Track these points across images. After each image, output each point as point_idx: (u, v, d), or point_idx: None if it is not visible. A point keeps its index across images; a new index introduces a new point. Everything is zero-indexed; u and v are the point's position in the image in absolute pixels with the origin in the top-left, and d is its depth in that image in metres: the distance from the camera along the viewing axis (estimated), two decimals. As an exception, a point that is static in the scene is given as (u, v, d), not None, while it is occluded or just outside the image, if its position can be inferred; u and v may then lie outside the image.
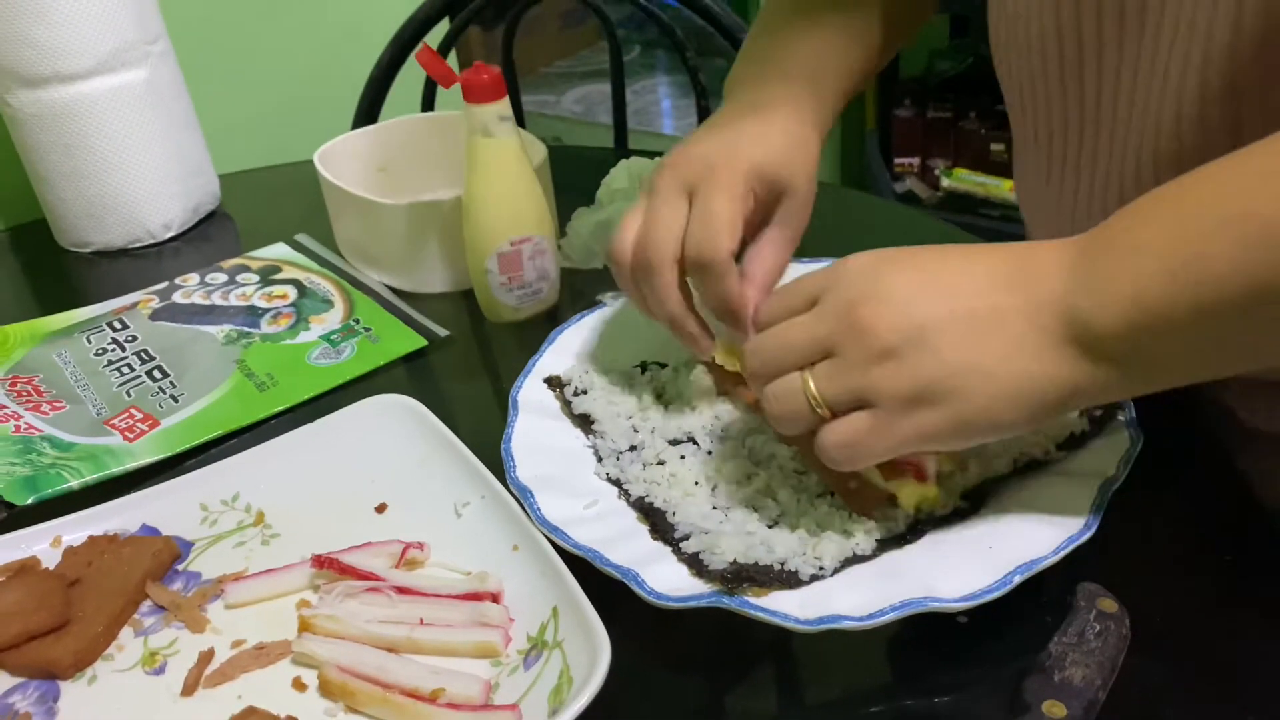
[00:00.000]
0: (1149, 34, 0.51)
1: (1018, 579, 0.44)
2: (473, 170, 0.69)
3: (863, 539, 0.48)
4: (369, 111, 1.13)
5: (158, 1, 0.89)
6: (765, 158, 0.56)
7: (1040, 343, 0.42)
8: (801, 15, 0.65)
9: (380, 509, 0.56)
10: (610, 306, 0.67)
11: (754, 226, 0.58)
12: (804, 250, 0.69)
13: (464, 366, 0.72)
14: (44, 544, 0.54)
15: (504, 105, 0.67)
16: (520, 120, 1.02)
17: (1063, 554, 0.45)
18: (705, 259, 0.54)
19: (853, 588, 0.46)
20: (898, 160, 2.16)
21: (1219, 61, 0.48)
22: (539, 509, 0.51)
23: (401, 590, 0.50)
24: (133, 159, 0.87)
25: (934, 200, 2.12)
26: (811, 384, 0.45)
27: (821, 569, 0.47)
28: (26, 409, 0.66)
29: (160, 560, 0.53)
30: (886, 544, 0.49)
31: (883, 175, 2.15)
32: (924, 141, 2.13)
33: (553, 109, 2.71)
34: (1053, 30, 0.56)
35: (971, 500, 0.50)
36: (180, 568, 0.54)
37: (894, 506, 0.50)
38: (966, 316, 0.43)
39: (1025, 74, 0.60)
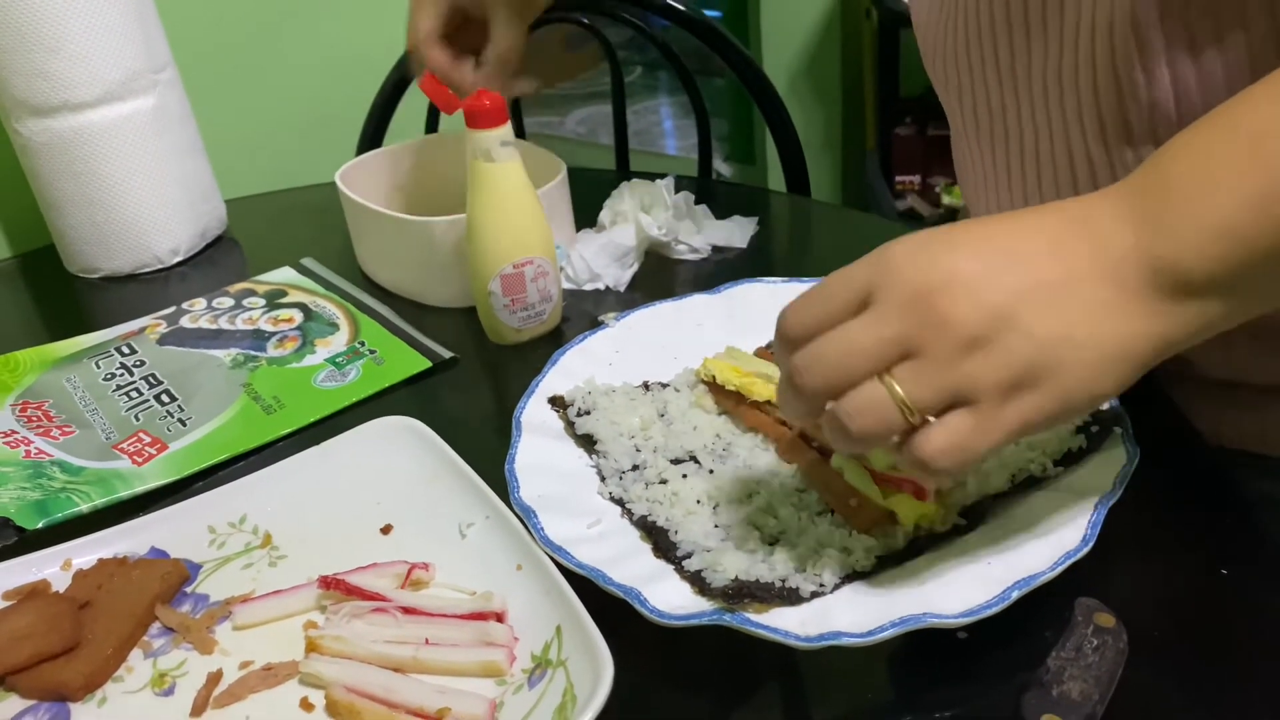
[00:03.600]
0: (1052, 16, 0.55)
1: (1016, 594, 0.44)
2: (475, 194, 0.70)
3: (862, 556, 0.49)
4: (374, 136, 1.14)
5: (165, 31, 0.90)
6: None
7: (1125, 300, 0.41)
8: None
9: (386, 530, 0.56)
10: (613, 327, 0.68)
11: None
12: (802, 270, 0.70)
13: (468, 387, 0.73)
14: (54, 567, 0.54)
15: (506, 130, 0.68)
16: (523, 143, 1.03)
17: (1060, 569, 0.45)
18: (410, 45, 0.76)
19: (853, 604, 0.46)
20: (899, 178, 2.17)
21: (1121, 25, 0.51)
22: (542, 529, 0.51)
23: (407, 610, 0.50)
24: (140, 185, 0.88)
25: (935, 217, 2.13)
26: (899, 389, 0.40)
27: (822, 586, 0.48)
28: (37, 434, 0.67)
29: (169, 582, 0.53)
30: (886, 561, 0.49)
31: (884, 193, 2.16)
32: (924, 159, 2.15)
33: (556, 130, 2.73)
34: (973, 22, 0.60)
35: (970, 517, 0.51)
36: (189, 590, 0.54)
37: (893, 524, 0.50)
38: (1043, 287, 0.41)
39: (952, 70, 0.64)
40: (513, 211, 0.70)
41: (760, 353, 0.63)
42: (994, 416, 0.40)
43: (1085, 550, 0.46)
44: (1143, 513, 0.51)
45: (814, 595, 0.47)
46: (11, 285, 0.94)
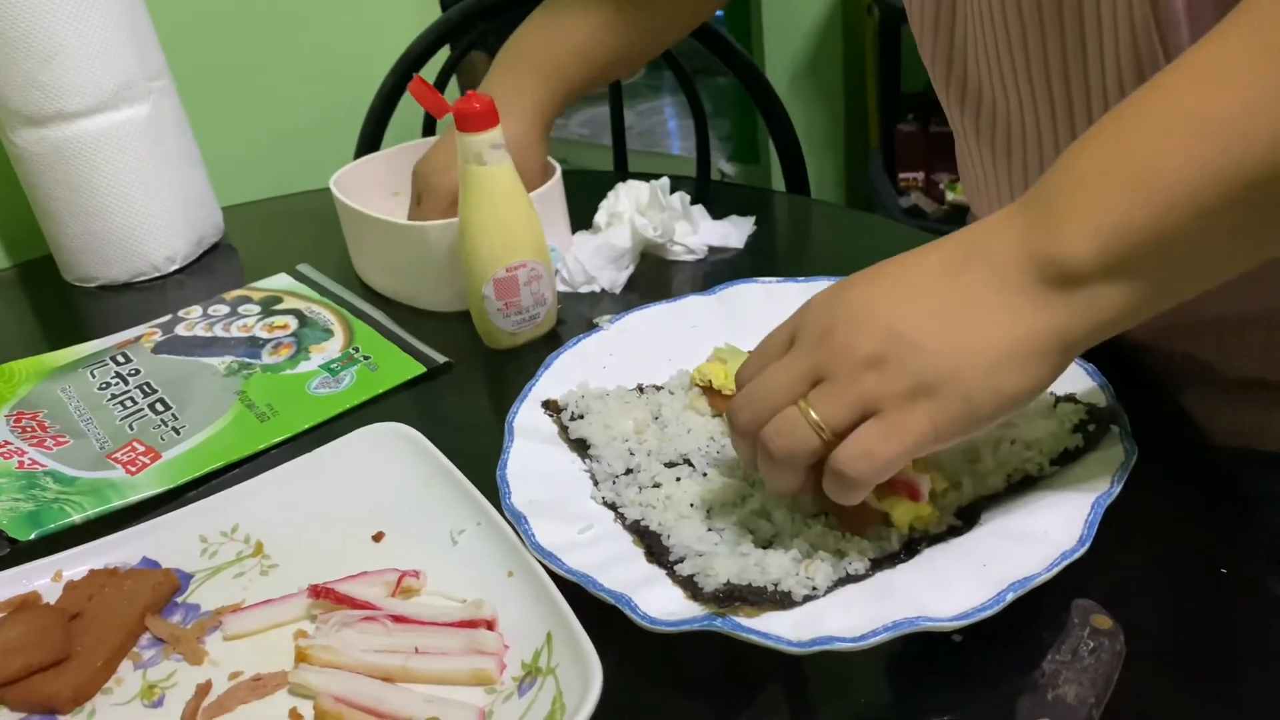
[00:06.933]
0: (1086, 22, 0.54)
1: (1010, 597, 0.44)
2: (467, 198, 0.69)
3: (856, 559, 0.48)
4: (370, 141, 1.14)
5: (159, 39, 0.90)
6: None
7: (1012, 301, 0.43)
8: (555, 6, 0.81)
9: (377, 537, 0.56)
10: (607, 329, 0.67)
11: None
12: (809, 270, 0.70)
13: (463, 392, 0.72)
14: (45, 579, 0.54)
15: (496, 134, 0.67)
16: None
17: (1056, 570, 0.45)
18: None
19: (846, 608, 0.46)
20: (902, 175, 2.16)
21: (1144, 39, 0.51)
22: (533, 535, 0.51)
23: (397, 619, 0.50)
24: (136, 194, 0.88)
25: (939, 213, 2.12)
26: (811, 411, 0.45)
27: (815, 589, 0.47)
28: (31, 445, 0.67)
29: (160, 593, 0.53)
30: (880, 563, 0.49)
31: (888, 190, 2.15)
32: (928, 156, 2.14)
33: (559, 131, 2.71)
34: (986, 19, 0.60)
35: (965, 518, 0.50)
36: (180, 600, 0.54)
37: (888, 526, 0.50)
38: (935, 306, 0.44)
39: (959, 69, 0.64)
40: (505, 215, 0.70)
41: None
42: (899, 424, 0.43)
43: (1082, 551, 0.46)
44: (1141, 512, 0.50)
45: (806, 599, 0.47)
46: (8, 295, 0.94)
